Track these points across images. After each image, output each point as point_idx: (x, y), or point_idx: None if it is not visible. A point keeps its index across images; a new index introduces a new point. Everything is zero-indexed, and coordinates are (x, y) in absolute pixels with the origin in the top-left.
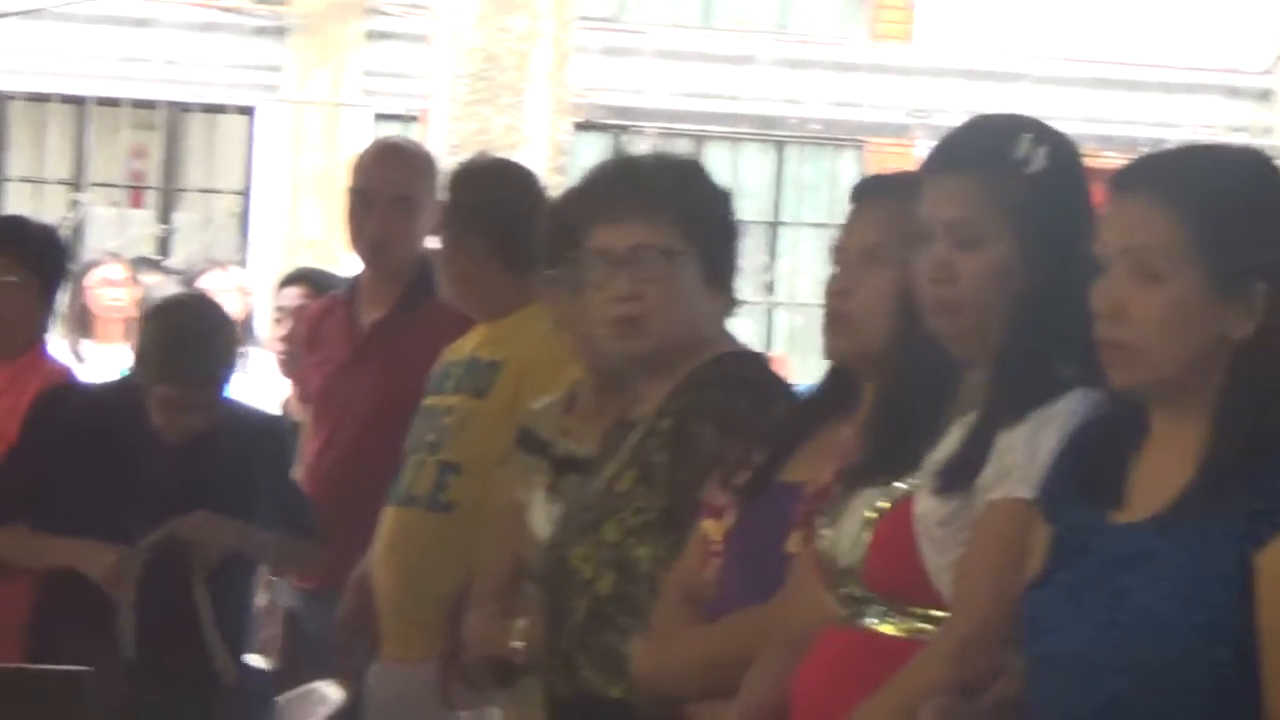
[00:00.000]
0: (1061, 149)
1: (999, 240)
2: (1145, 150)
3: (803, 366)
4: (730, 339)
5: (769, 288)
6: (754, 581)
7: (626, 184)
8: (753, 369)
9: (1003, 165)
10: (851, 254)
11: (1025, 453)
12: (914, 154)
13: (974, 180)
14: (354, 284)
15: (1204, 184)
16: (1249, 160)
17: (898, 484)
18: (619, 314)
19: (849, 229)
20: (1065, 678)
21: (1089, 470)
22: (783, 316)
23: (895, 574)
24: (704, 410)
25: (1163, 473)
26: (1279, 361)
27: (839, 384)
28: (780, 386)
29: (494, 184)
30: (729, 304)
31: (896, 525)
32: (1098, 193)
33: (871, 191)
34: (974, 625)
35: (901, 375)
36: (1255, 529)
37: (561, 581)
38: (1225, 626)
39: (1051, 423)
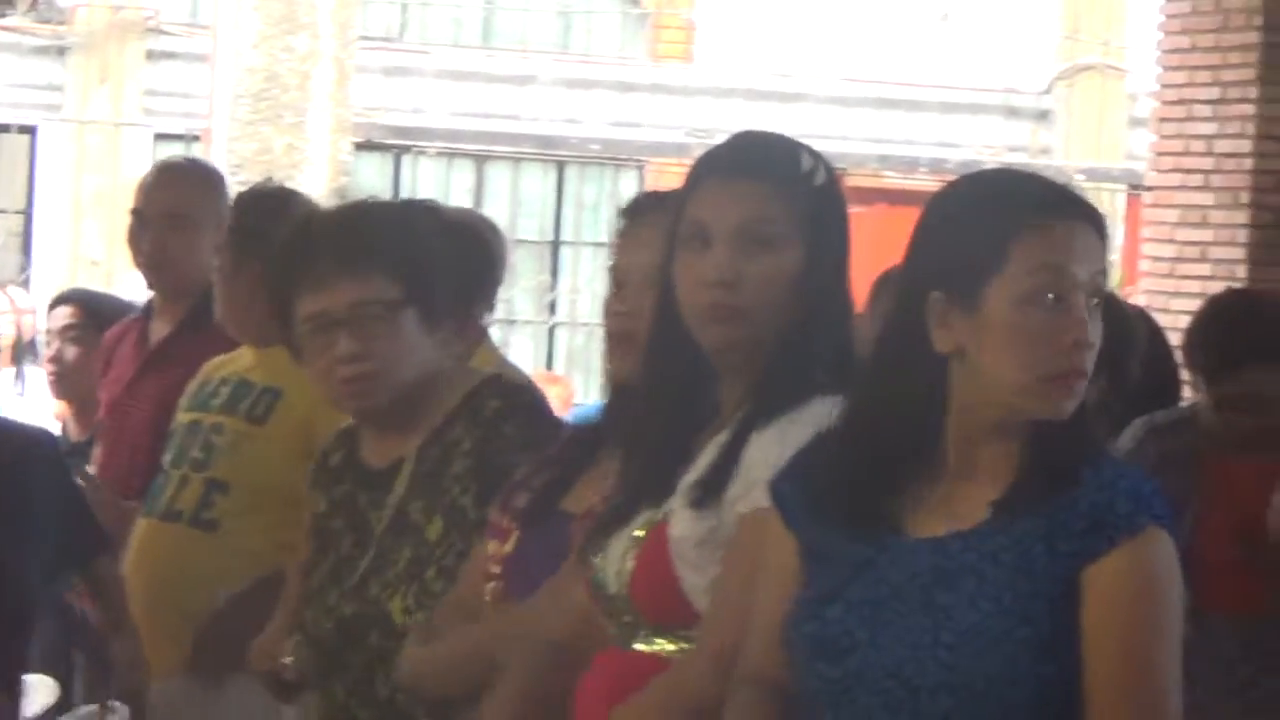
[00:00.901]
0: (830, 168)
1: (789, 247)
2: (926, 171)
3: (584, 386)
4: (470, 372)
5: (550, 307)
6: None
7: (328, 245)
8: (527, 395)
9: (793, 177)
10: (634, 274)
11: (772, 463)
12: None
13: (769, 186)
14: (149, 304)
15: None
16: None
17: (656, 509)
18: (348, 375)
19: (626, 248)
20: (881, 699)
21: (854, 482)
22: (563, 335)
23: (659, 599)
24: (502, 443)
25: (965, 491)
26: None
27: (622, 409)
28: (549, 409)
29: (276, 213)
30: (463, 333)
31: (655, 550)
32: (883, 211)
33: (646, 209)
34: (728, 639)
35: (651, 400)
36: (1086, 544)
37: (369, 625)
38: (1052, 642)
39: (798, 426)
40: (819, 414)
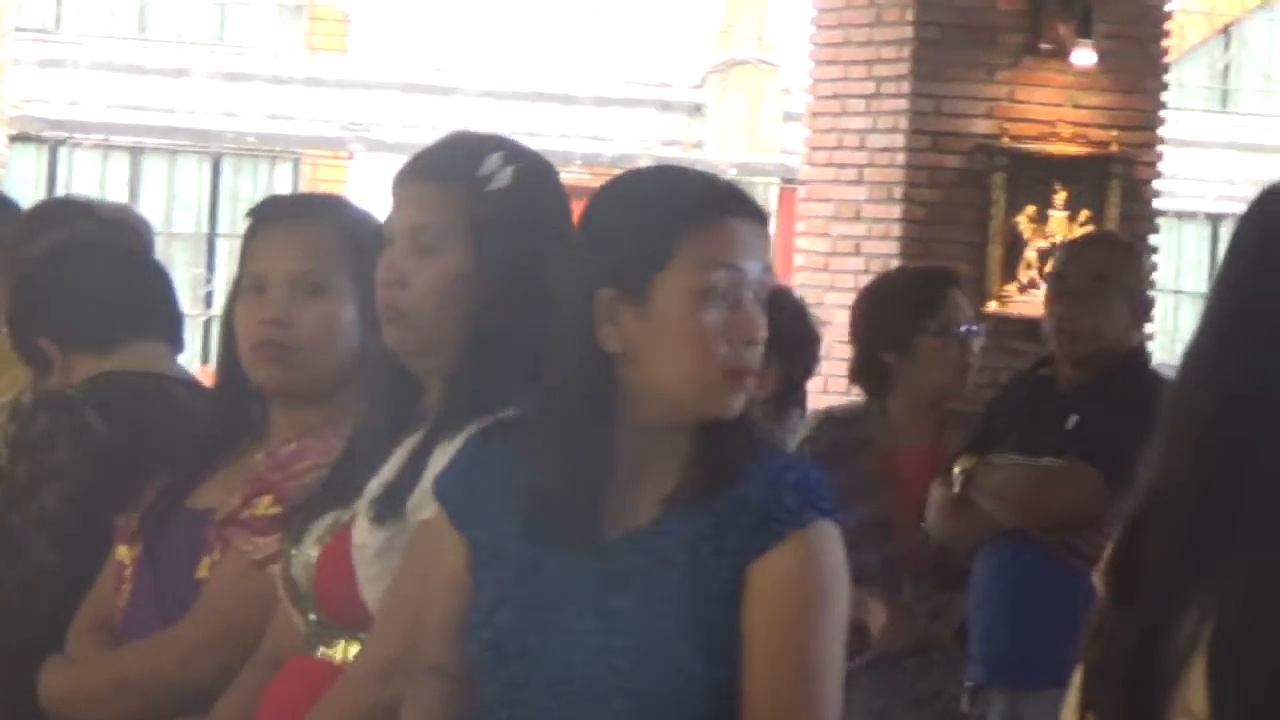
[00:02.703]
0: (533, 170)
1: (455, 250)
2: (580, 165)
3: None
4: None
5: (206, 300)
6: (164, 608)
7: None
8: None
9: (466, 178)
10: (281, 280)
11: None
12: (349, 166)
13: (437, 189)
14: None
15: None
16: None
17: (346, 510)
18: None
19: (272, 255)
20: (548, 703)
21: (525, 487)
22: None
23: (341, 602)
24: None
25: (636, 493)
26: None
27: (241, 407)
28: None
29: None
30: None
31: (339, 553)
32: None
33: (288, 214)
34: (397, 647)
35: (372, 402)
36: (753, 540)
37: None
38: (726, 642)
39: None
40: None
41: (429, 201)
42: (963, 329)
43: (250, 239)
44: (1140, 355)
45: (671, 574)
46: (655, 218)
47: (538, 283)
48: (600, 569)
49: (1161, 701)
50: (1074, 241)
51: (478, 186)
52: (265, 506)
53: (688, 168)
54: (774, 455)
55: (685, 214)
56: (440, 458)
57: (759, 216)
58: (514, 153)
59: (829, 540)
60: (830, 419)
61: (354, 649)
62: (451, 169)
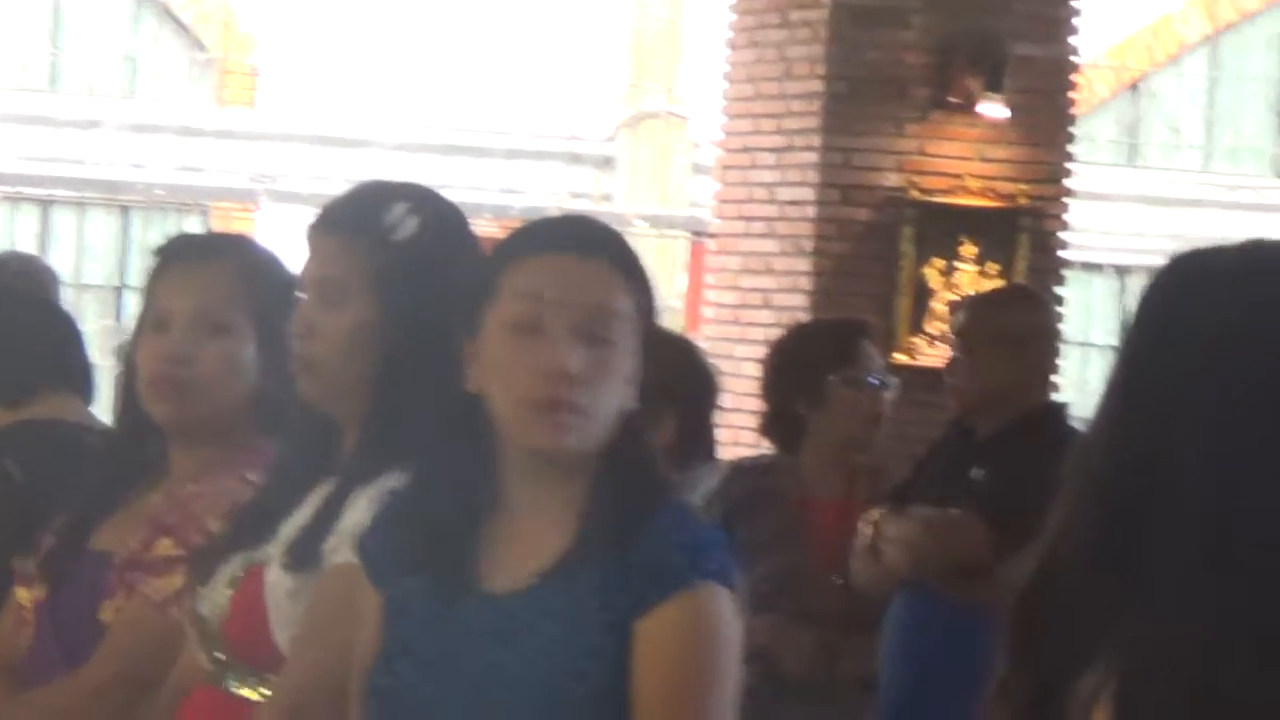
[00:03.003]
0: (440, 219)
1: (359, 302)
2: (490, 217)
3: None
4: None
5: (117, 352)
6: (69, 651)
7: None
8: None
9: (371, 230)
10: (185, 318)
11: (368, 517)
12: (257, 218)
13: (342, 242)
14: None
15: (636, 257)
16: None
17: (258, 551)
18: None
19: (176, 292)
20: None
21: (428, 536)
22: None
23: (252, 642)
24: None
25: (531, 544)
26: (647, 431)
27: (141, 448)
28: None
29: None
30: None
31: (251, 592)
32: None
33: (194, 253)
34: (305, 691)
35: (288, 446)
36: (639, 598)
37: None
38: (607, 700)
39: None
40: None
41: (334, 254)
42: (874, 380)
43: (156, 277)
44: (1055, 410)
45: (558, 629)
46: (491, 257)
47: (445, 329)
48: (493, 623)
49: None
50: (978, 296)
51: (382, 237)
52: (166, 549)
53: (569, 213)
54: (667, 512)
55: (511, 249)
56: (356, 503)
57: (600, 252)
58: (421, 201)
59: (715, 602)
60: (741, 470)
61: (264, 688)
62: (357, 221)
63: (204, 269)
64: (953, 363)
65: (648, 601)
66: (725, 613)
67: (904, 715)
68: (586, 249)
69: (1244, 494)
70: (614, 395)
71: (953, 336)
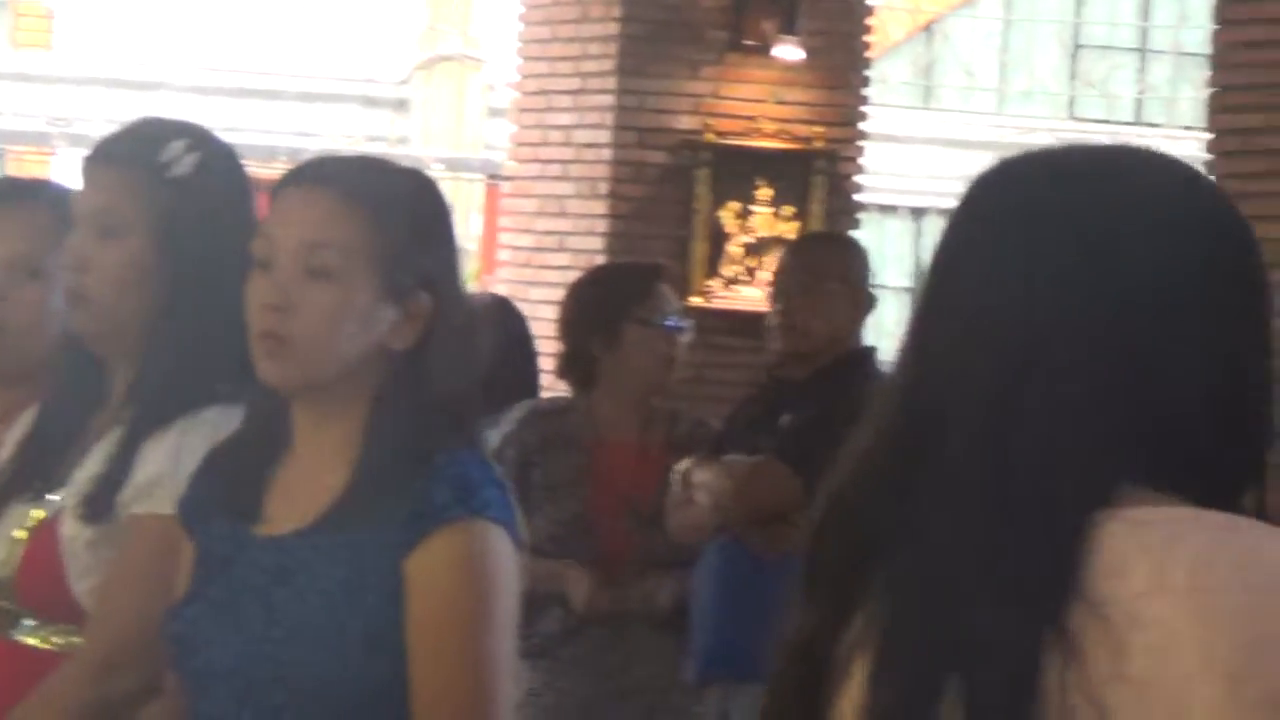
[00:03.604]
0: (218, 159)
1: (134, 235)
2: (285, 159)
3: None
4: None
5: None
6: None
7: None
8: None
9: (148, 163)
10: (1, 263)
11: (168, 466)
12: (54, 162)
13: (118, 174)
14: None
15: (380, 191)
16: (413, 174)
17: (51, 497)
18: None
19: None
20: (225, 693)
21: (228, 481)
22: None
23: (45, 592)
24: None
25: (311, 484)
26: (434, 373)
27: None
28: None
29: None
30: None
31: (44, 543)
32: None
33: (7, 197)
34: (115, 643)
35: (57, 383)
36: (405, 535)
37: None
38: (383, 637)
39: (195, 432)
40: (216, 421)
41: (110, 186)
42: (669, 322)
43: None
44: (864, 354)
45: (334, 569)
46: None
47: (222, 269)
48: (274, 564)
49: (825, 711)
50: (796, 241)
51: (159, 171)
52: None
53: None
54: (444, 453)
55: (274, 188)
56: (151, 451)
57: (329, 185)
58: (199, 140)
59: (484, 538)
60: (536, 413)
61: (55, 638)
62: (133, 154)
63: (19, 212)
64: (771, 307)
65: (416, 537)
66: (496, 548)
67: (714, 662)
68: (313, 182)
69: (1026, 432)
70: (339, 329)
71: (778, 279)
